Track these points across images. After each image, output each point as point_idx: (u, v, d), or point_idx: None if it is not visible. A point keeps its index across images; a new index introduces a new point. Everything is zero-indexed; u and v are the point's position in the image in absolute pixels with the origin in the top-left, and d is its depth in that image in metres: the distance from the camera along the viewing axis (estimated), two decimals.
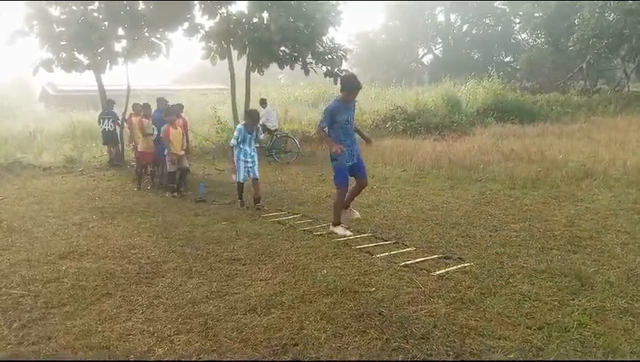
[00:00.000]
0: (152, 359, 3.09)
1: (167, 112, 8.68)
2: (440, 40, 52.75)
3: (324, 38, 14.20)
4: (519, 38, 47.44)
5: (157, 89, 23.88)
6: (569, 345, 3.09)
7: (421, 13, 50.09)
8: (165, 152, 8.70)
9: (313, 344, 3.19)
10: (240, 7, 22.60)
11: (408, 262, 4.66)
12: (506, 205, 7.05)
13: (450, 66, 40.67)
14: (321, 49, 14.11)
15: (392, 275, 4.35)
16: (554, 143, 12.96)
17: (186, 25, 13.21)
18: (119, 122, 13.09)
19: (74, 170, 12.06)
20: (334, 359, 3.03)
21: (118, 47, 12.66)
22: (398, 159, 11.41)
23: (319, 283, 4.20)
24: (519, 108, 20.53)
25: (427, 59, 54.97)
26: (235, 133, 7.38)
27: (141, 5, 12.68)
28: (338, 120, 5.58)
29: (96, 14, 12.19)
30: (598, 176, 8.45)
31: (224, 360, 3.07)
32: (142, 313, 3.73)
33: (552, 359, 2.96)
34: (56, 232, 6.20)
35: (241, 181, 7.46)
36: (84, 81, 20.24)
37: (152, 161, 9.62)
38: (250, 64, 14.37)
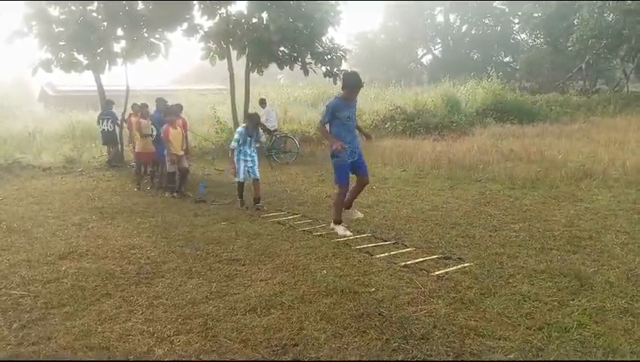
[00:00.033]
0: (152, 359, 3.08)
1: (167, 112, 8.69)
2: (439, 40, 52.82)
3: (323, 39, 14.20)
4: (518, 38, 47.53)
5: (156, 89, 23.85)
6: (569, 345, 3.09)
7: (420, 13, 50.15)
8: (165, 152, 8.71)
9: (313, 344, 3.19)
10: (239, 8, 22.52)
11: (408, 263, 4.66)
12: (506, 205, 7.06)
13: (449, 66, 40.69)
14: (321, 49, 14.11)
15: (391, 275, 4.35)
16: (553, 143, 12.95)
17: (185, 25, 13.21)
18: (118, 122, 13.09)
19: (73, 170, 12.05)
20: (334, 359, 3.03)
21: (117, 47, 12.69)
22: (397, 159, 11.41)
23: (319, 283, 4.19)
24: (518, 109, 20.53)
25: (426, 59, 55.09)
26: (236, 136, 7.38)
27: (140, 5, 12.68)
28: (339, 116, 5.54)
29: (95, 14, 12.19)
30: (598, 176, 8.46)
31: (224, 360, 3.07)
32: (142, 313, 3.73)
33: (552, 359, 2.96)
34: (56, 233, 6.20)
35: (241, 180, 7.47)
36: (83, 81, 20.27)
37: (152, 161, 9.62)
38: (250, 64, 14.37)
